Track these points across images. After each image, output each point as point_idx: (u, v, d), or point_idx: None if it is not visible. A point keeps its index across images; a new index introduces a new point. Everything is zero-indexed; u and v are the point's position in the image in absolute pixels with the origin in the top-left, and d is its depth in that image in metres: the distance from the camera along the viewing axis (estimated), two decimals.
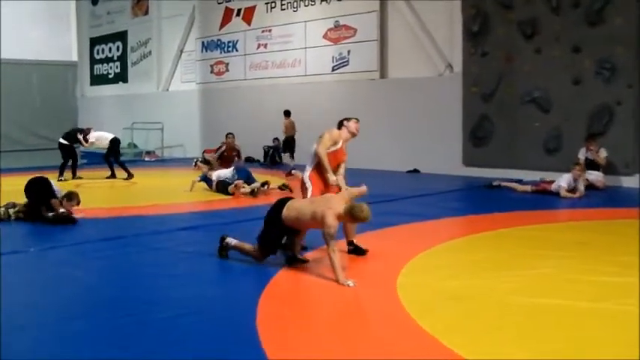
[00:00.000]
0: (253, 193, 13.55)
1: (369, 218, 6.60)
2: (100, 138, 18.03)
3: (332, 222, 6.43)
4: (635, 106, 15.32)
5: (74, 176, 17.21)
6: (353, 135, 8.50)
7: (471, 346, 4.82)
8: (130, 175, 17.27)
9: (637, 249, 7.97)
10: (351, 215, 6.56)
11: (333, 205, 6.60)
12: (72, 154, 17.75)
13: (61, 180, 16.19)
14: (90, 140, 17.98)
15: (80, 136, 17.70)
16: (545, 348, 4.81)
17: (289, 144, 21.03)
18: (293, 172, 17.36)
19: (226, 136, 17.18)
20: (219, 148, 17.44)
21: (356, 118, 8.67)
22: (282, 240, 7.07)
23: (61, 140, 17.66)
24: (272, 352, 4.69)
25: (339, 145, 8.30)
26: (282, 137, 21.42)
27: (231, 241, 7.57)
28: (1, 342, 4.78)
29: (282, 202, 7.02)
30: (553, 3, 16.43)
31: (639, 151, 15.19)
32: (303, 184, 8.16)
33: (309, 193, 7.93)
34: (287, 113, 21.32)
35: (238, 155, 16.73)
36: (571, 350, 4.77)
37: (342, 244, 7.73)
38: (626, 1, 15.34)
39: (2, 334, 5.02)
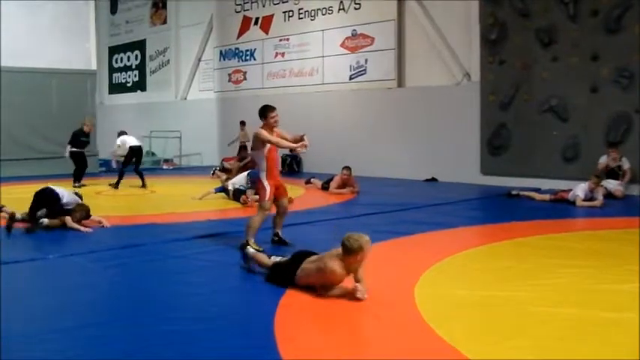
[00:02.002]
0: None
1: (365, 248, 6.31)
2: (124, 142, 18.05)
3: (332, 266, 6.30)
4: None
5: (77, 183, 17.40)
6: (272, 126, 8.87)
7: (490, 355, 4.80)
8: (144, 185, 17.40)
9: None
10: (344, 247, 6.38)
11: (332, 255, 6.50)
12: (82, 160, 17.92)
13: (76, 186, 16.35)
14: (117, 144, 18.14)
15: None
16: (562, 358, 4.79)
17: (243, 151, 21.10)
18: (312, 180, 17.38)
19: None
20: (244, 157, 17.50)
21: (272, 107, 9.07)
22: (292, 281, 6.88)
23: (71, 149, 17.87)
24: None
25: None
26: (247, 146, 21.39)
27: (250, 250, 7.56)
28: (1, 341, 4.79)
29: (300, 259, 6.84)
30: (570, 11, 16.39)
31: None
32: (261, 186, 8.81)
33: (268, 192, 8.72)
34: (242, 123, 22.04)
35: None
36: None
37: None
38: None
39: (11, 343, 5.06)
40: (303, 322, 5.75)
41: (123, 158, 17.84)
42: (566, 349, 4.97)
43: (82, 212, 10.79)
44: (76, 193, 11.54)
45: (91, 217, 10.88)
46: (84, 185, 17.21)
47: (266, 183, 8.78)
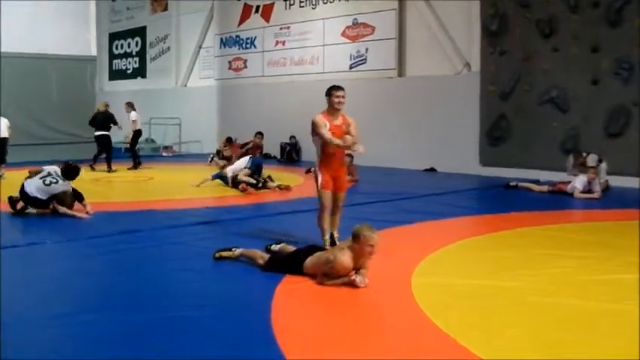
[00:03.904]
0: (255, 186, 13.64)
1: (367, 239, 6.28)
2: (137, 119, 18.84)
3: (342, 258, 6.29)
4: None
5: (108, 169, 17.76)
6: (334, 108, 8.06)
7: (486, 344, 4.82)
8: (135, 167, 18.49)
9: None
10: (353, 235, 6.39)
11: (342, 247, 6.49)
12: (107, 145, 18.21)
13: (93, 168, 17.31)
14: (131, 119, 18.58)
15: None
16: (559, 347, 4.81)
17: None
18: (312, 169, 17.37)
19: (255, 134, 17.24)
20: (247, 144, 17.48)
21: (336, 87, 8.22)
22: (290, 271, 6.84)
23: (97, 132, 18.22)
24: (287, 349, 4.70)
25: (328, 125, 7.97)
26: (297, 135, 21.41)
27: (236, 251, 7.46)
28: (1, 341, 4.81)
29: (309, 252, 6.82)
30: (572, 2, 16.35)
31: None
32: (315, 174, 8.16)
33: (320, 181, 7.95)
34: None
35: (261, 155, 16.87)
36: (586, 350, 4.76)
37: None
38: None
39: (9, 329, 5.07)
40: (300, 310, 5.77)
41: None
42: (563, 339, 4.98)
43: (71, 198, 10.67)
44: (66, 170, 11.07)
45: (83, 202, 10.76)
46: (114, 170, 17.54)
47: (319, 172, 8.02)
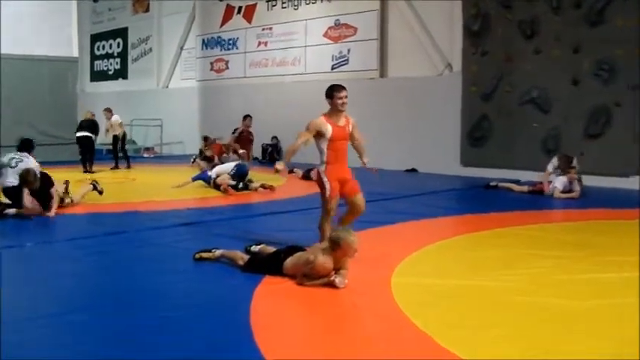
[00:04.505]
0: (238, 189, 13.62)
1: (346, 245, 6.26)
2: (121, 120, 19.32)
3: (323, 259, 6.29)
4: (633, 107, 15.33)
5: (88, 170, 18.00)
6: (337, 109, 7.63)
7: (466, 344, 4.82)
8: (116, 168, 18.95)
9: (633, 249, 8.05)
10: (330, 241, 6.41)
11: (322, 248, 6.48)
12: (89, 146, 18.53)
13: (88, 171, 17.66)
14: (118, 121, 19.27)
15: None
16: (539, 346, 4.82)
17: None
18: (294, 170, 17.36)
19: (244, 117, 17.10)
20: (237, 129, 17.36)
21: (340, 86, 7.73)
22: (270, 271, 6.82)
23: (79, 133, 18.34)
24: (267, 349, 4.69)
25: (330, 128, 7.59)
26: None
27: (216, 252, 7.44)
28: (1, 341, 4.80)
29: (289, 253, 6.80)
30: (553, 3, 16.46)
31: (637, 152, 15.19)
32: (320, 181, 7.69)
33: (328, 188, 7.56)
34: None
35: (252, 138, 16.81)
36: (566, 349, 4.78)
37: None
38: (627, 3, 15.35)
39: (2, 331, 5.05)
40: (280, 310, 5.76)
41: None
42: (543, 338, 4.99)
43: (39, 179, 10.48)
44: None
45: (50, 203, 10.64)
46: (92, 172, 17.60)
47: (325, 179, 7.59)
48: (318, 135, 7.61)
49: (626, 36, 15.34)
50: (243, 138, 16.98)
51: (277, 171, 7.77)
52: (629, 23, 15.33)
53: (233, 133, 17.44)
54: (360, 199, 7.79)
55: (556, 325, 5.33)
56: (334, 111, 7.64)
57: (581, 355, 4.65)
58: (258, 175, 15.42)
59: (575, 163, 14.12)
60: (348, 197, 7.76)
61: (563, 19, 16.31)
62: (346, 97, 7.56)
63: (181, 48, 27.76)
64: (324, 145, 7.64)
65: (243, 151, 16.52)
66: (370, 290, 6.33)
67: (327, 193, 7.57)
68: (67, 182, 11.73)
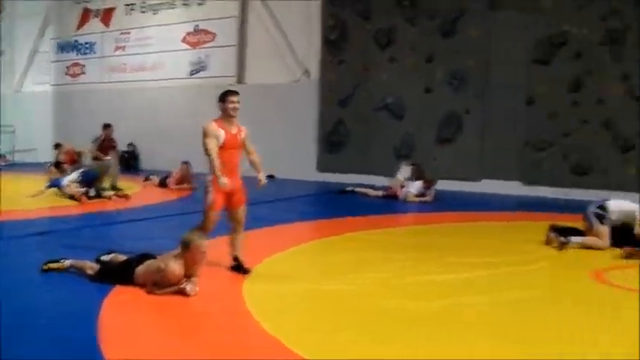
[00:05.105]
0: (91, 197, 13.32)
1: (196, 246, 6.28)
2: None
3: (173, 266, 6.27)
4: (481, 115, 16.02)
5: None
6: (229, 115, 7.19)
7: (316, 347, 4.90)
8: None
9: (474, 250, 8.61)
10: (182, 244, 6.39)
11: (172, 255, 6.46)
12: None
13: None
14: None
15: None
16: (385, 348, 4.95)
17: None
18: (151, 177, 17.16)
19: (104, 126, 16.60)
20: (98, 138, 16.84)
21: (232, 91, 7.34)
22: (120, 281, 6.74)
23: None
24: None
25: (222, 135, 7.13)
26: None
27: (65, 262, 7.28)
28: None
29: (140, 261, 6.73)
30: (409, 14, 16.94)
31: (485, 158, 15.92)
32: (205, 191, 7.19)
33: (209, 198, 7.09)
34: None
35: (114, 145, 16.38)
36: (411, 350, 4.93)
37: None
38: (479, 15, 16.04)
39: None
40: (129, 320, 5.67)
41: None
42: (391, 339, 5.14)
43: None
44: None
45: None
46: None
47: (210, 189, 7.08)
48: (204, 143, 7.06)
49: (476, 47, 16.02)
50: (105, 146, 16.51)
51: (226, 186, 7.04)
52: (478, 34, 16.02)
53: (94, 141, 16.98)
54: (240, 212, 7.45)
55: (403, 326, 5.47)
56: (226, 117, 7.17)
57: (425, 355, 4.81)
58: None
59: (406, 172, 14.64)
60: (231, 210, 7.39)
61: (418, 29, 16.85)
62: (238, 102, 7.17)
63: (35, 51, 26.90)
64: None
65: (108, 158, 16.04)
66: (222, 297, 6.35)
67: (207, 204, 7.09)
68: None
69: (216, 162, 6.98)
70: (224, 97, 7.18)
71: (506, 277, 7.28)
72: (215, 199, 7.08)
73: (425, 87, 16.84)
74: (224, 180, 6.96)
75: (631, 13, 14.58)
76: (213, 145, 7.01)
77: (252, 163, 7.65)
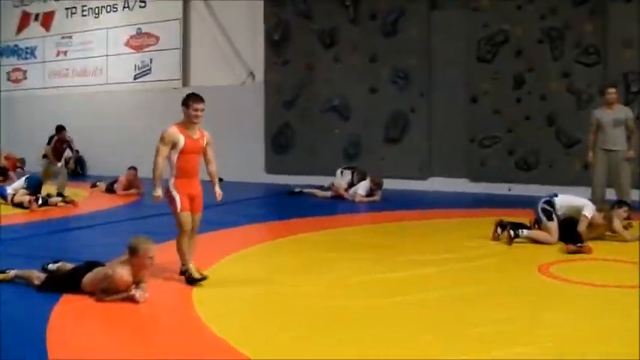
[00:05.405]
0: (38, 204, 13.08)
1: (144, 251, 6.24)
2: None
3: (120, 272, 6.22)
4: (427, 113, 16.18)
5: None
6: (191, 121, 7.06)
7: (259, 348, 4.91)
8: None
9: (422, 248, 8.78)
10: (129, 249, 6.33)
11: (120, 262, 6.40)
12: None
13: None
14: None
15: None
16: (329, 348, 4.97)
17: None
18: (98, 183, 16.96)
19: (57, 129, 16.16)
20: (52, 138, 16.41)
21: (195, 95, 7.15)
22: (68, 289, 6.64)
23: None
24: None
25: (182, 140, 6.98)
26: None
27: (10, 273, 7.15)
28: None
29: (88, 269, 6.65)
30: (351, 14, 17.03)
31: (432, 156, 16.10)
32: (169, 196, 7.07)
33: (177, 202, 7.00)
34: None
35: (70, 146, 16.03)
36: (354, 348, 4.96)
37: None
38: (418, 15, 16.21)
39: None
40: (78, 329, 5.62)
41: None
42: (340, 340, 5.15)
43: None
44: None
45: None
46: None
47: (175, 192, 6.99)
48: (171, 147, 6.98)
49: (418, 46, 16.19)
50: (57, 148, 16.02)
51: (158, 200, 7.05)
52: (420, 34, 16.20)
53: (48, 143, 16.47)
54: (197, 218, 7.30)
55: (351, 326, 5.51)
56: (188, 122, 7.05)
57: (372, 354, 4.85)
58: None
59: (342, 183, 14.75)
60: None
61: (361, 29, 16.94)
62: (202, 110, 7.03)
63: None
64: (175, 158, 7.01)
65: (59, 164, 15.65)
66: (171, 302, 6.33)
67: (178, 207, 7.00)
68: None
69: (158, 172, 6.95)
70: (187, 101, 7.02)
71: (455, 273, 7.38)
72: (181, 200, 7.02)
73: (370, 87, 16.93)
74: (158, 192, 6.96)
75: (569, 11, 14.83)
76: (162, 154, 6.94)
77: (209, 174, 7.52)
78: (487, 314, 5.74)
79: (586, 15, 14.74)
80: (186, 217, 7.06)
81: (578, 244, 8.42)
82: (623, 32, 14.35)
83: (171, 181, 7.05)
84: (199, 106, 6.98)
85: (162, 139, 6.95)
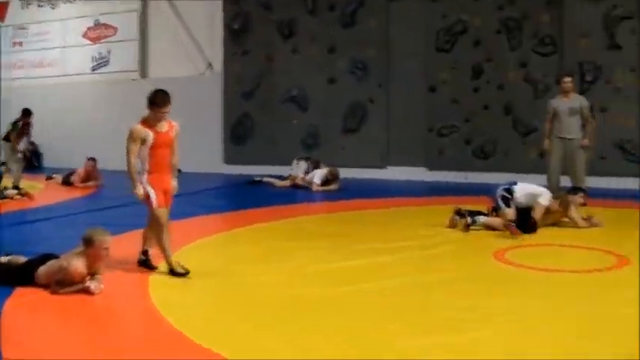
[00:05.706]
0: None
1: (99, 241, 6.18)
2: None
3: (75, 264, 6.15)
4: (385, 103, 16.26)
5: None
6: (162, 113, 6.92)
7: (216, 338, 4.90)
8: None
9: (378, 236, 8.85)
10: (83, 241, 6.28)
11: (75, 253, 6.34)
12: None
13: None
14: None
15: None
16: (287, 336, 5.00)
17: None
18: (54, 175, 16.77)
19: (24, 112, 15.71)
20: (17, 122, 15.97)
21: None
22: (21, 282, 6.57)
23: None
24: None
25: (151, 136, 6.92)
26: None
27: None
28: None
29: (42, 262, 6.57)
30: (309, 5, 17.04)
31: (390, 145, 16.19)
32: (145, 192, 6.96)
33: (154, 199, 6.92)
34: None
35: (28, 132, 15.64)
36: (312, 335, 5.00)
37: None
38: (377, 6, 16.27)
39: None
40: (32, 322, 5.56)
41: None
42: (300, 329, 5.17)
43: None
44: None
45: None
46: None
47: (149, 188, 6.90)
48: (140, 143, 6.92)
49: (377, 37, 16.26)
50: (20, 132, 15.54)
51: (141, 197, 6.95)
52: (378, 24, 16.27)
53: (13, 127, 15.91)
54: (167, 210, 7.17)
55: (308, 314, 5.55)
56: (153, 116, 6.93)
57: (332, 344, 4.85)
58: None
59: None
60: None
61: (319, 20, 16.97)
62: (168, 111, 6.93)
63: None
64: (145, 153, 6.94)
65: (21, 150, 15.32)
66: (127, 294, 6.31)
67: (154, 203, 6.93)
68: None
69: (132, 170, 6.92)
70: (155, 102, 6.85)
71: (413, 261, 7.46)
72: (158, 196, 6.96)
73: (328, 77, 16.97)
74: (139, 190, 6.90)
75: (527, 2, 14.99)
76: (133, 151, 6.91)
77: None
78: (448, 301, 5.81)
79: (543, 5, 14.92)
80: (162, 213, 6.99)
81: (506, 223, 8.75)
82: (579, 22, 14.53)
83: (145, 177, 6.99)
84: (167, 109, 6.89)
85: (130, 137, 6.91)
